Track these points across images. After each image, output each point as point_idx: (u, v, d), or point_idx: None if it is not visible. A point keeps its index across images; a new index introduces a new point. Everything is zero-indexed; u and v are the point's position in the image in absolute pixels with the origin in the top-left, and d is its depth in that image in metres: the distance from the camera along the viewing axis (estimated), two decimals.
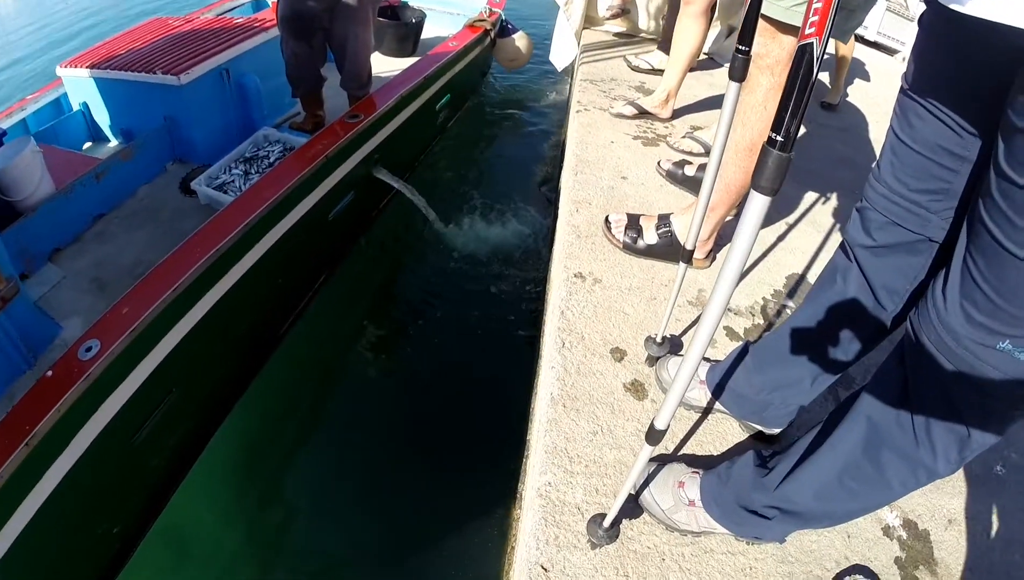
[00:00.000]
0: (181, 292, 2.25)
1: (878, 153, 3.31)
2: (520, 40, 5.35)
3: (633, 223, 2.30)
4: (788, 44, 1.74)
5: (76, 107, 3.77)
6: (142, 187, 3.40)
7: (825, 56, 0.72)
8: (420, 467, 2.79)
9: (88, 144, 3.83)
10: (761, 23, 1.77)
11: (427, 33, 5.73)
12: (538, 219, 4.23)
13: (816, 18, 0.71)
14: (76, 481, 1.93)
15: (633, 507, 1.51)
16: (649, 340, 1.90)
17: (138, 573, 2.35)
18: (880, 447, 1.11)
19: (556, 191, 3.84)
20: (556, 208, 3.34)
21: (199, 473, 2.64)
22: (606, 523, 1.41)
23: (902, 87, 1.15)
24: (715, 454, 1.69)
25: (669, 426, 1.11)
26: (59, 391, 1.85)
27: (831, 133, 3.65)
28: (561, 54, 4.19)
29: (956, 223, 1.12)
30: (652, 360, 1.89)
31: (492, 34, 5.18)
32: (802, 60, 0.71)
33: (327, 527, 2.59)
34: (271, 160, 3.43)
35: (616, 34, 4.72)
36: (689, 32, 2.97)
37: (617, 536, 1.45)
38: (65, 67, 3.58)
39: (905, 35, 5.66)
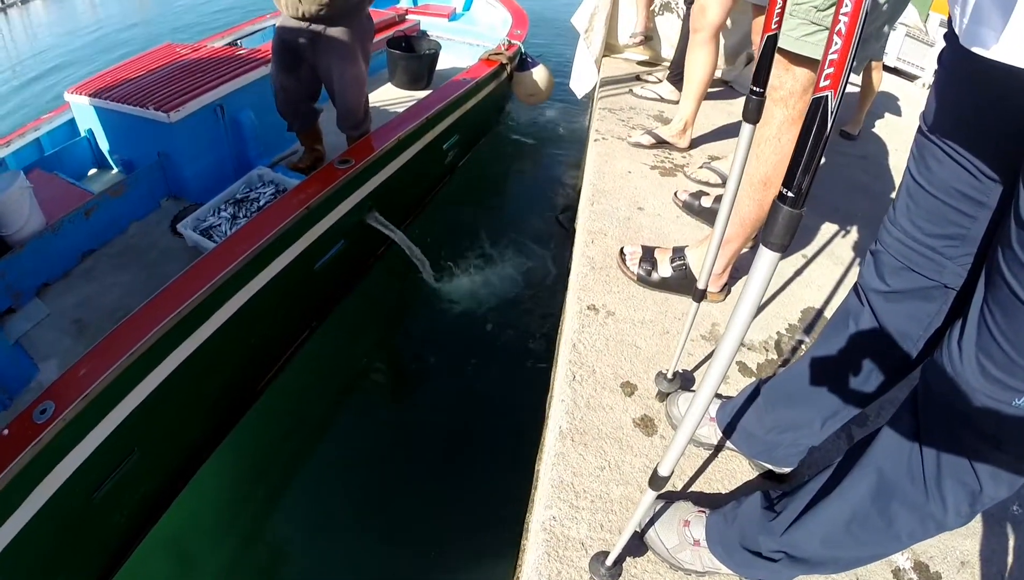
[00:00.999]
0: (143, 353, 2.19)
1: (897, 182, 3.31)
2: (540, 74, 5.21)
3: (648, 255, 2.30)
4: (802, 76, 1.74)
5: (83, 133, 3.78)
6: (134, 224, 3.38)
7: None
8: (430, 493, 2.80)
9: (93, 170, 3.84)
10: (778, 59, 1.77)
11: (446, 64, 5.70)
12: (552, 256, 4.22)
13: (832, 70, 0.68)
14: (32, 537, 1.94)
15: (637, 545, 1.50)
16: (660, 376, 1.88)
17: None
18: (890, 498, 1.09)
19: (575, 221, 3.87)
20: (572, 241, 3.36)
21: (195, 490, 2.68)
22: (609, 561, 1.40)
23: (920, 127, 1.13)
24: (723, 492, 1.67)
25: (673, 471, 1.10)
26: (13, 451, 1.84)
27: (850, 161, 3.64)
28: (581, 81, 4.20)
29: (973, 270, 1.09)
30: (662, 396, 1.88)
31: (509, 68, 5.04)
32: (816, 113, 0.69)
33: (334, 552, 2.59)
34: (261, 203, 3.34)
35: (638, 62, 4.73)
36: (699, 59, 2.98)
37: (620, 574, 1.43)
38: (71, 93, 3.56)
39: (925, 61, 5.64)
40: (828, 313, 2.34)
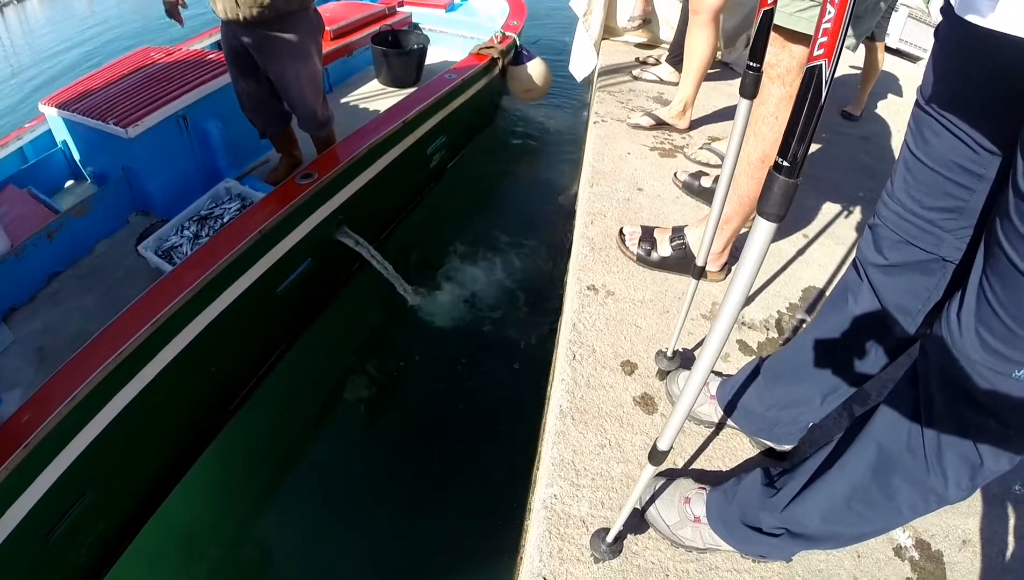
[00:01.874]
0: (88, 394, 2.10)
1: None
2: (536, 68, 4.93)
3: (647, 235, 2.29)
4: (799, 53, 1.73)
5: (59, 144, 3.62)
6: (101, 242, 3.24)
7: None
8: (434, 475, 2.82)
9: (70, 182, 3.67)
10: (778, 37, 1.76)
11: (439, 58, 5.50)
12: (549, 256, 4.12)
13: (825, 39, 0.68)
14: None
15: (638, 522, 1.50)
16: (660, 354, 1.89)
17: None
18: (890, 472, 1.09)
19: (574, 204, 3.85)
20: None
21: (171, 511, 2.67)
22: (609, 537, 1.40)
23: (917, 101, 1.12)
24: (724, 470, 1.68)
25: (672, 447, 1.11)
26: None
27: (852, 141, 3.62)
28: (580, 64, 4.18)
29: (972, 243, 1.09)
30: (662, 374, 1.88)
31: (502, 62, 4.78)
32: (811, 83, 0.69)
33: (338, 535, 2.60)
34: (225, 220, 3.10)
35: (636, 44, 4.71)
36: (699, 41, 2.96)
37: (621, 551, 1.44)
38: (44, 104, 3.40)
39: (927, 42, 5.60)
40: (828, 290, 2.34)
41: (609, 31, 4.66)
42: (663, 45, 4.67)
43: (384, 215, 4.02)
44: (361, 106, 4.70)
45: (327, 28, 4.35)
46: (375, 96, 4.87)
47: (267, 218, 2.67)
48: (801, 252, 2.55)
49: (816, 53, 0.69)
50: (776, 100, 1.81)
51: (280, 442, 3.03)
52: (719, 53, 4.24)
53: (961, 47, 1.00)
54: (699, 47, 2.97)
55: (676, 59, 3.71)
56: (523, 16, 5.43)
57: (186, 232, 3.05)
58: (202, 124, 3.47)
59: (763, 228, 0.78)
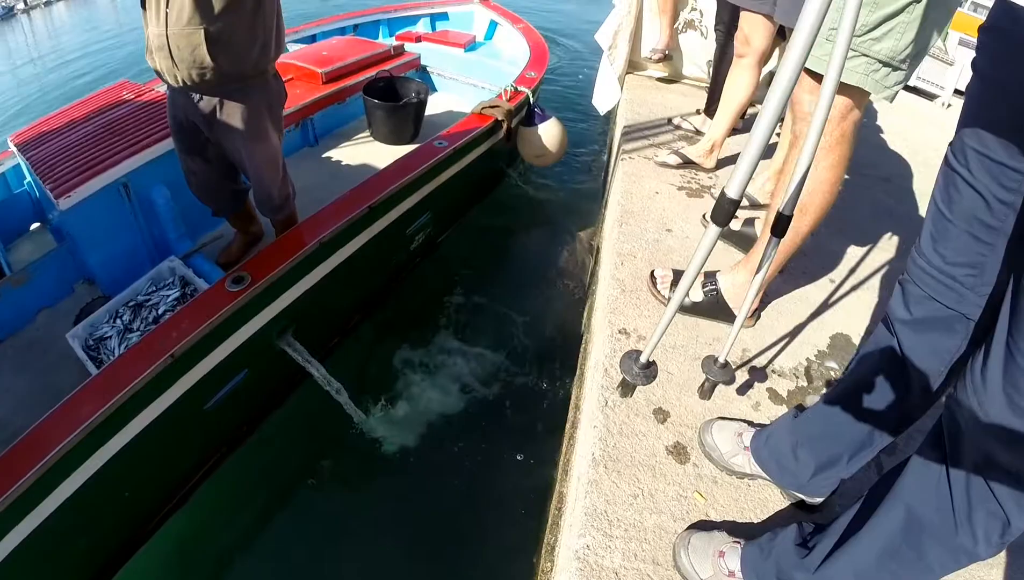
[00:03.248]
0: None
1: (920, 204, 3.28)
2: (550, 130, 4.27)
3: (679, 279, 2.28)
4: (840, 103, 1.74)
5: (25, 184, 3.35)
6: (43, 311, 2.95)
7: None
8: (441, 499, 2.79)
9: (36, 225, 3.36)
10: (808, 80, 1.77)
11: (449, 107, 5.04)
12: (557, 343, 3.57)
13: None
14: None
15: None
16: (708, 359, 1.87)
17: None
18: (919, 532, 1.09)
19: (596, 243, 3.84)
20: (595, 260, 3.34)
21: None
22: (643, 358, 1.41)
23: (946, 156, 1.14)
24: (756, 522, 1.66)
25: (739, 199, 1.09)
26: None
27: (873, 183, 3.61)
28: (604, 97, 4.21)
29: (991, 301, 1.10)
30: (710, 386, 1.84)
31: (507, 125, 4.04)
32: None
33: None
34: (159, 311, 2.71)
35: (659, 79, 4.73)
36: (740, 83, 2.97)
37: (655, 376, 1.44)
38: (13, 139, 3.12)
39: (944, 80, 5.61)
40: (855, 338, 2.33)
41: (633, 65, 4.69)
42: (685, 80, 4.69)
43: (347, 311, 3.50)
44: (349, 162, 4.22)
45: (319, 70, 4.23)
46: (367, 151, 4.33)
47: (181, 339, 2.21)
48: (829, 298, 2.53)
49: None
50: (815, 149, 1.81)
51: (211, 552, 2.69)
52: None
53: (1003, 58, 1.01)
54: (739, 90, 2.98)
55: (712, 110, 3.69)
56: (543, 65, 4.90)
57: (119, 321, 2.67)
58: (147, 192, 3.05)
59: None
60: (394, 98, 4.44)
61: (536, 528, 2.41)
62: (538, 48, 5.20)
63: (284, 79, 3.64)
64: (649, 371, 1.41)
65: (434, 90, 5.28)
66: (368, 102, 4.24)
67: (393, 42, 5.36)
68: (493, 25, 6.14)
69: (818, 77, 1.71)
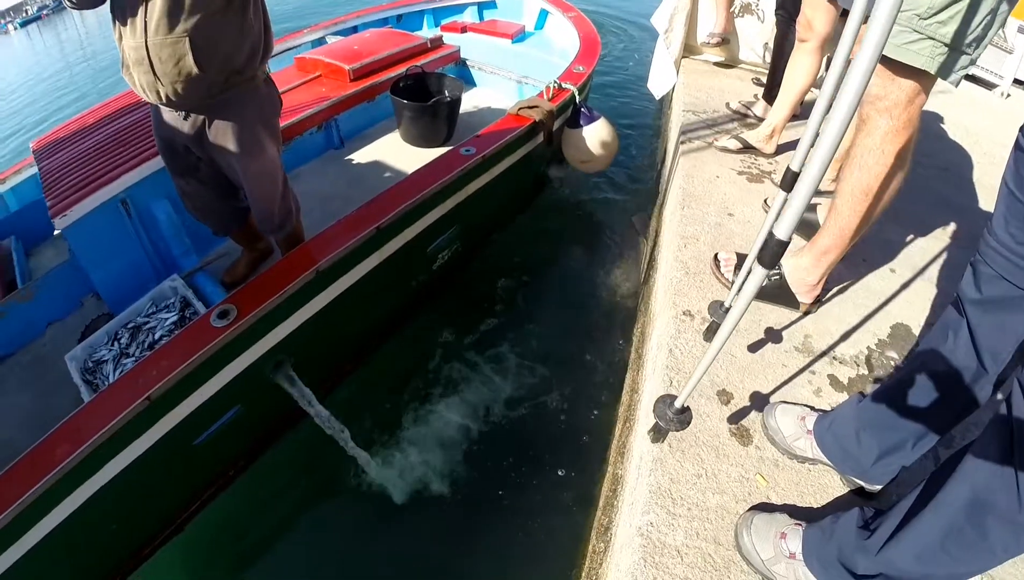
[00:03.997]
0: None
1: (979, 193, 3.22)
2: (599, 132, 3.88)
3: (742, 262, 2.28)
4: (907, 86, 1.72)
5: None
6: (52, 325, 2.89)
7: None
8: (487, 483, 2.79)
9: (58, 230, 2.96)
10: (878, 64, 1.74)
11: (488, 102, 4.70)
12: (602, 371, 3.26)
13: None
14: None
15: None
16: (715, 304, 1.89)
17: None
18: (984, 512, 1.09)
19: (648, 224, 3.83)
20: (653, 243, 3.33)
21: None
22: (676, 405, 1.46)
23: (1018, 140, 1.14)
24: (815, 506, 1.66)
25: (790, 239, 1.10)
26: None
27: (932, 173, 3.55)
28: (659, 82, 4.18)
29: None
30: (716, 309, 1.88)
31: (549, 127, 3.65)
32: None
33: (382, 539, 2.60)
34: (156, 336, 2.56)
35: (716, 64, 4.69)
36: (802, 68, 2.94)
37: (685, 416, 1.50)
38: (35, 145, 3.07)
39: (1003, 69, 5.46)
40: (915, 327, 2.30)
41: (689, 49, 4.66)
42: (742, 65, 4.64)
43: (357, 339, 3.14)
44: (376, 167, 3.91)
45: (346, 66, 4.02)
46: (397, 154, 4.02)
47: (160, 379, 2.01)
48: (888, 287, 2.51)
49: None
50: (883, 133, 1.80)
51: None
52: None
53: None
54: (801, 74, 2.95)
55: (771, 96, 3.64)
56: (593, 59, 4.36)
57: (116, 344, 2.55)
58: (148, 208, 2.91)
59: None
60: (425, 96, 4.07)
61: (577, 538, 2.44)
62: (589, 40, 4.66)
63: (311, 76, 3.71)
64: (684, 417, 1.43)
65: (473, 85, 5.00)
66: (396, 102, 3.92)
67: (437, 32, 5.24)
68: (543, 14, 5.67)
69: (889, 62, 1.70)
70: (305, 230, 2.84)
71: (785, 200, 1.75)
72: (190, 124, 2.26)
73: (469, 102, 4.54)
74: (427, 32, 5.46)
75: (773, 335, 2.14)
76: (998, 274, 1.19)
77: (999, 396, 1.11)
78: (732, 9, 4.36)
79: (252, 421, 2.61)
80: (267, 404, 2.62)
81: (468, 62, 4.88)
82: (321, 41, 4.88)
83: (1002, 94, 5.35)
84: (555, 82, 3.83)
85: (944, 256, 2.73)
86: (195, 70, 2.04)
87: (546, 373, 3.27)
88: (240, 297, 2.27)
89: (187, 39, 1.99)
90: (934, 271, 2.63)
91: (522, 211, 4.42)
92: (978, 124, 4.45)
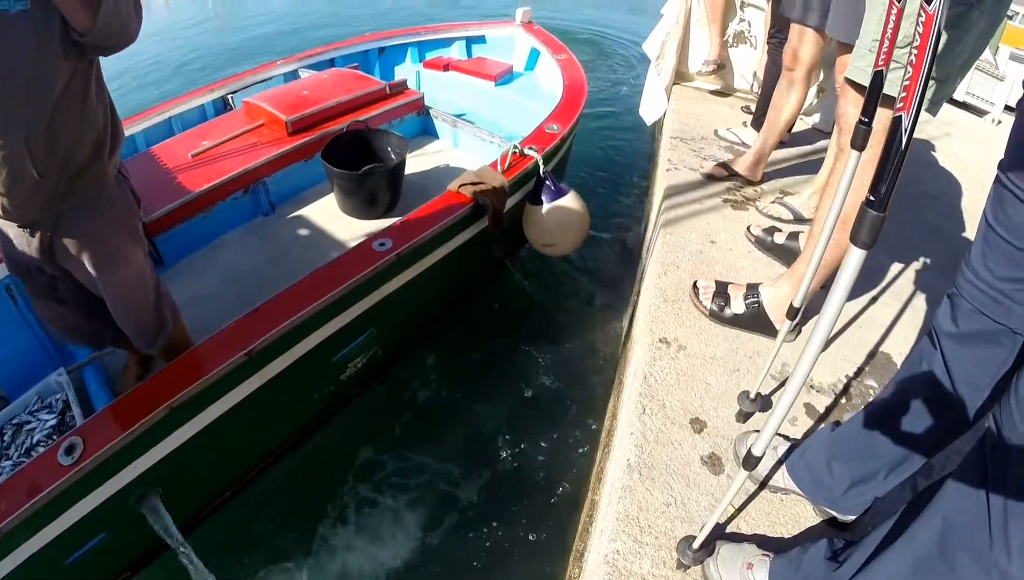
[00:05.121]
0: None
1: (967, 221, 3.22)
2: (564, 212, 3.21)
3: (721, 291, 2.29)
4: (884, 116, 1.72)
5: None
6: None
7: None
8: (471, 501, 2.71)
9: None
10: (854, 93, 1.76)
11: (448, 160, 4.09)
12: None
13: (904, 94, 0.82)
14: None
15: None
16: (743, 395, 1.93)
17: None
18: (955, 547, 1.08)
19: (636, 249, 3.83)
20: (640, 269, 3.33)
21: None
22: (696, 544, 1.44)
23: (997, 175, 1.14)
24: (787, 537, 1.66)
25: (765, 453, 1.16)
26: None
27: (922, 201, 3.56)
28: (651, 108, 4.21)
29: None
30: (743, 415, 1.91)
31: (500, 208, 3.00)
32: (896, 131, 0.83)
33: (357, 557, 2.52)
34: (34, 440, 2.28)
35: (709, 91, 4.72)
36: (788, 97, 2.97)
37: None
38: None
39: (994, 95, 5.48)
40: (896, 357, 2.31)
41: (680, 76, 4.69)
42: (737, 94, 4.67)
43: (240, 467, 2.63)
44: (310, 239, 3.36)
45: (285, 117, 3.48)
46: (336, 223, 3.47)
47: (5, 518, 1.74)
48: (869, 315, 2.51)
49: (897, 105, 0.84)
50: (861, 162, 1.80)
51: None
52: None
53: None
54: (786, 103, 2.98)
55: (760, 123, 3.67)
56: (573, 113, 3.76)
57: (1, 441, 2.31)
58: None
59: (855, 255, 0.94)
60: (368, 156, 3.64)
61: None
62: (573, 90, 4.08)
63: (254, 125, 3.53)
64: (703, 552, 1.44)
65: (436, 137, 4.36)
66: (327, 168, 3.32)
67: (419, 67, 4.97)
68: (534, 54, 5.18)
69: (860, 88, 1.71)
70: (209, 319, 2.54)
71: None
72: (37, 241, 1.87)
73: (429, 157, 4.10)
74: (409, 67, 5.15)
75: (749, 363, 2.14)
76: (975, 308, 1.18)
77: (985, 426, 1.11)
78: (725, 37, 4.40)
79: (124, 546, 2.29)
80: (136, 532, 2.20)
81: (432, 112, 4.27)
82: (294, 75, 4.48)
83: (993, 121, 5.37)
84: (515, 146, 3.25)
85: (930, 284, 2.74)
86: (34, 176, 1.66)
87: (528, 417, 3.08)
88: (91, 428, 1.93)
89: (23, 143, 1.60)
90: (919, 300, 2.64)
91: (471, 297, 3.76)
92: (968, 151, 4.47)
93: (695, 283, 2.37)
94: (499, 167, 3.11)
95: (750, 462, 1.19)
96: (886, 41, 1.27)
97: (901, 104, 0.82)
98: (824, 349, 2.20)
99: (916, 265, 2.87)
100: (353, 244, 2.68)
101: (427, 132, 4.38)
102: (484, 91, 4.68)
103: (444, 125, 4.26)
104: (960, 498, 1.09)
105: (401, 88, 4.15)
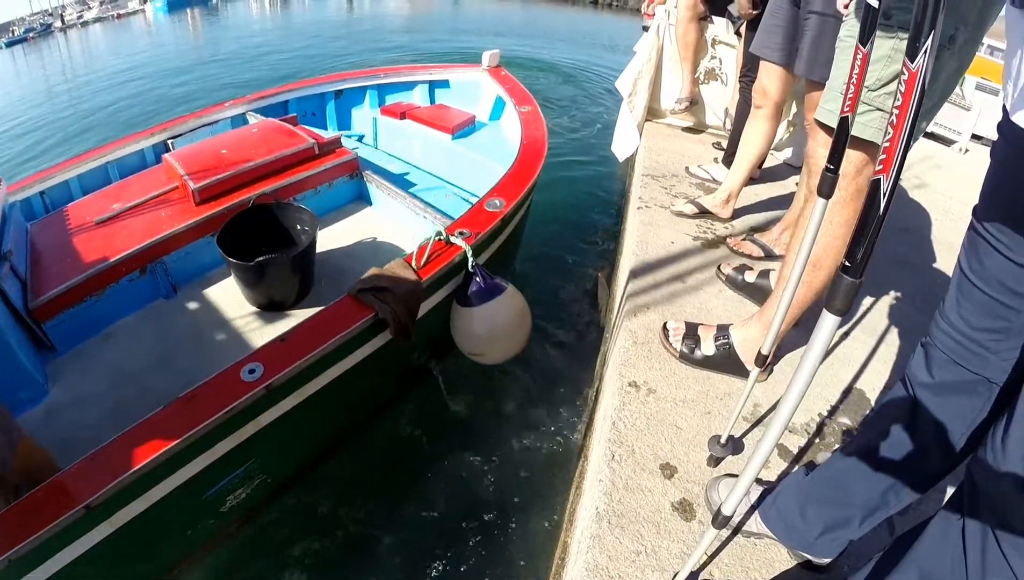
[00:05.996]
0: None
1: (938, 253, 3.24)
2: (498, 316, 2.72)
3: (691, 332, 2.28)
4: (855, 157, 1.74)
5: None
6: None
7: None
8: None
9: None
10: (824, 135, 1.78)
11: (377, 232, 3.52)
12: None
13: (884, 157, 0.78)
14: None
15: None
16: (713, 440, 1.90)
17: None
18: None
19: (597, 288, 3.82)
20: (606, 306, 3.32)
21: None
22: None
23: (971, 223, 1.14)
24: None
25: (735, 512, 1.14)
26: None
27: (891, 233, 3.59)
28: (623, 145, 4.24)
29: (1017, 366, 1.10)
30: (714, 460, 1.89)
31: (405, 320, 2.45)
32: (874, 195, 0.79)
33: None
34: None
35: (684, 129, 4.77)
36: (758, 133, 3.00)
37: None
38: None
39: (961, 125, 5.58)
40: (869, 393, 2.30)
41: (652, 112, 4.73)
42: (709, 131, 4.72)
43: None
44: (214, 327, 2.86)
45: (193, 185, 3.05)
46: (239, 310, 2.96)
47: None
48: (843, 351, 2.51)
49: (877, 168, 0.79)
50: (831, 204, 1.81)
51: None
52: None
53: (1015, 158, 1.02)
54: (757, 140, 3.01)
55: (731, 160, 3.69)
56: (524, 183, 3.22)
57: None
58: None
59: (829, 321, 0.90)
60: (276, 235, 3.15)
61: None
62: (529, 153, 3.54)
63: (169, 187, 3.10)
64: None
65: (369, 204, 3.80)
66: (222, 255, 2.76)
67: (376, 113, 4.60)
68: (500, 103, 4.77)
69: (830, 130, 1.72)
70: (85, 427, 2.28)
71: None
72: None
73: (359, 229, 3.57)
74: (367, 112, 4.81)
75: (720, 405, 2.13)
76: (951, 359, 1.18)
77: (969, 472, 1.10)
78: (697, 74, 4.45)
79: None
80: None
81: (366, 175, 3.72)
82: (241, 119, 4.13)
83: (961, 149, 5.46)
84: (440, 233, 2.70)
85: (902, 318, 2.74)
86: None
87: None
88: None
89: None
90: (892, 335, 2.64)
91: (387, 408, 3.17)
92: (937, 180, 4.54)
93: (665, 325, 2.36)
94: (415, 261, 2.57)
95: (719, 520, 1.18)
96: (851, 87, 1.27)
97: (881, 166, 0.79)
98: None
99: (888, 299, 2.87)
100: (259, 340, 2.44)
101: (361, 197, 3.84)
102: (440, 144, 4.28)
103: (378, 192, 3.70)
104: (936, 549, 1.09)
105: (332, 147, 3.66)
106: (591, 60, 9.88)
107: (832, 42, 2.30)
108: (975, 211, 1.13)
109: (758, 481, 1.81)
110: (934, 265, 3.28)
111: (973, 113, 5.51)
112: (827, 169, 1.41)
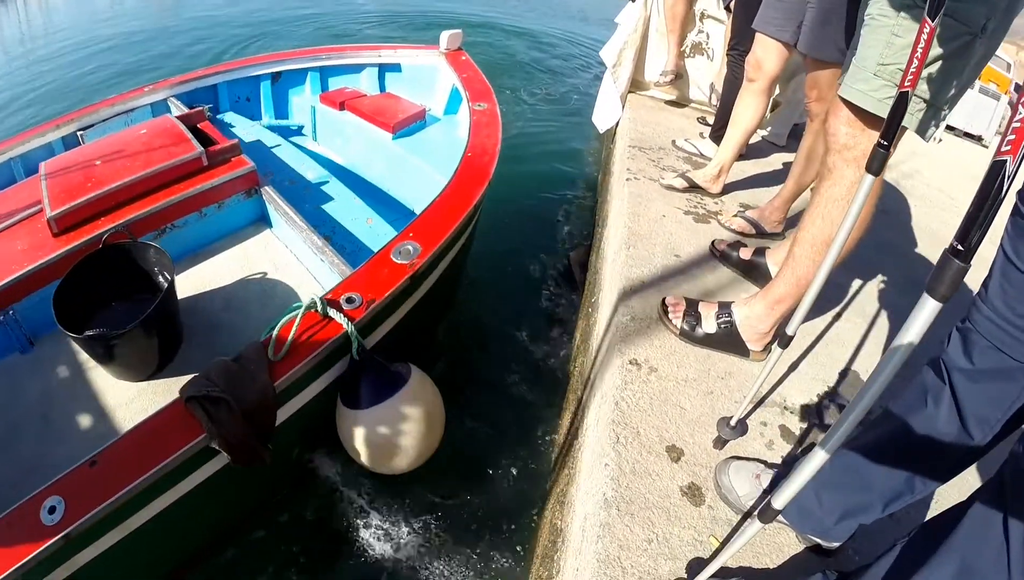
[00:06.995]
0: None
1: (919, 239, 3.26)
2: (395, 420, 2.10)
3: (692, 309, 2.21)
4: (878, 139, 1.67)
5: None
6: None
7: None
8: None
9: None
10: (848, 113, 1.70)
11: (274, 263, 2.79)
12: None
13: (1013, 137, 0.71)
14: None
15: None
16: (723, 421, 1.86)
17: None
18: None
19: (587, 261, 3.73)
20: (592, 282, 3.23)
21: None
22: None
23: (1016, 207, 1.10)
24: (771, 567, 1.58)
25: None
26: None
27: (876, 217, 3.58)
28: (605, 115, 4.16)
29: None
30: (720, 442, 1.83)
31: (242, 438, 1.80)
32: (996, 177, 0.72)
33: None
34: None
35: (667, 102, 4.69)
36: (749, 108, 2.94)
37: None
38: None
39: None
40: (863, 373, 2.27)
41: (636, 84, 4.64)
42: (692, 105, 4.65)
43: None
44: (57, 396, 2.20)
45: (49, 211, 2.38)
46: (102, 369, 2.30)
47: None
48: (836, 332, 2.49)
49: (1003, 149, 0.72)
50: (849, 184, 1.76)
51: None
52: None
53: None
54: (747, 115, 2.94)
55: (718, 136, 3.62)
56: (459, 213, 2.54)
57: None
58: None
59: (930, 306, 0.82)
60: (138, 281, 2.47)
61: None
62: (472, 168, 2.84)
63: (32, 210, 2.51)
64: None
65: (269, 226, 3.01)
66: (55, 321, 2.08)
67: (315, 101, 3.96)
68: (456, 95, 4.02)
69: (855, 109, 1.65)
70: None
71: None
72: None
73: (253, 261, 2.82)
74: (308, 97, 4.16)
75: (722, 385, 2.06)
76: (993, 345, 1.14)
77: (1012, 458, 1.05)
78: (683, 48, 4.36)
79: None
80: None
81: (265, 193, 2.92)
82: (163, 106, 3.48)
83: (935, 140, 5.51)
84: (316, 301, 2.03)
85: (889, 300, 2.74)
86: None
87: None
88: None
89: None
90: (881, 316, 2.64)
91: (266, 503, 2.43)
92: (912, 167, 4.58)
93: (664, 300, 2.28)
94: (272, 350, 1.91)
95: (767, 514, 1.11)
96: (914, 61, 1.20)
97: (1009, 148, 0.72)
98: (793, 369, 2.18)
99: (875, 282, 2.88)
100: (127, 411, 2.00)
101: (263, 218, 3.04)
102: (379, 143, 3.68)
103: (277, 216, 2.88)
104: (978, 537, 1.05)
105: (228, 155, 2.85)
106: (572, 30, 9.66)
107: (840, 22, 2.23)
108: (1019, 195, 1.09)
109: (765, 463, 1.76)
110: (916, 249, 3.32)
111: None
112: (879, 145, 1.35)
